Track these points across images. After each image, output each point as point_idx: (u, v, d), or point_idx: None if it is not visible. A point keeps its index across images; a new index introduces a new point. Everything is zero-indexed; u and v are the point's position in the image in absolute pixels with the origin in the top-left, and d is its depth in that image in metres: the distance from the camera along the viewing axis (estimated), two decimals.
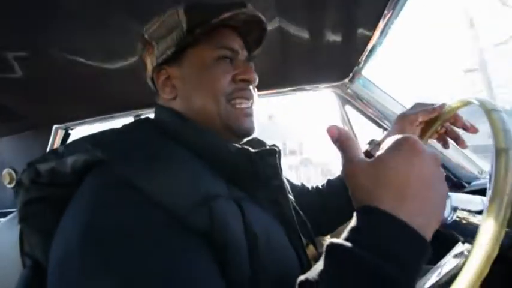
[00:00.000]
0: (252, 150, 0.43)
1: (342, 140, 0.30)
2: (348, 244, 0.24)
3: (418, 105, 0.58)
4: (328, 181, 0.70)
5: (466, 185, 1.01)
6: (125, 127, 0.43)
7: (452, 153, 1.01)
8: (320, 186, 0.70)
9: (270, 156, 0.44)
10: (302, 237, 0.46)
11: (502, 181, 0.27)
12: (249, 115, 0.47)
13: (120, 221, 0.30)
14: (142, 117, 0.47)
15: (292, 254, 0.41)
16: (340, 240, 0.25)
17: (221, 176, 0.40)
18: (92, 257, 0.28)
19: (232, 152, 0.41)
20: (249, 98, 0.47)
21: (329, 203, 0.65)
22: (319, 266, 0.26)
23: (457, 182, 1.04)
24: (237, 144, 0.43)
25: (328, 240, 0.25)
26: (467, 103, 0.44)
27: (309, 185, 0.71)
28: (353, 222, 0.26)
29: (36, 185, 0.36)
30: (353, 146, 0.29)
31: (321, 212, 0.64)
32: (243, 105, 0.46)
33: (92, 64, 0.78)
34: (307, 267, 0.40)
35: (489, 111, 0.33)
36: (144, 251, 0.28)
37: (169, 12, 0.45)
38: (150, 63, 0.47)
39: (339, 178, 0.69)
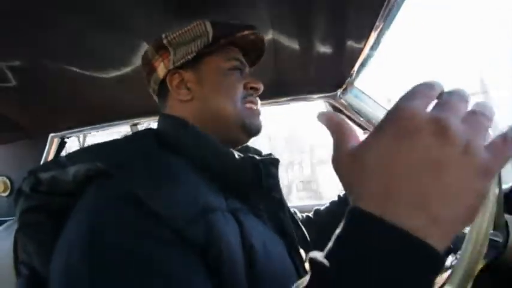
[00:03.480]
0: (257, 157, 0.45)
1: (332, 125, 0.26)
2: (325, 263, 0.20)
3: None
4: (316, 211, 0.74)
5: None
6: (126, 138, 0.45)
7: None
8: (310, 215, 0.74)
9: (272, 166, 0.46)
10: (301, 251, 0.47)
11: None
12: (259, 114, 0.53)
13: (121, 235, 0.30)
14: (144, 128, 0.48)
15: (290, 267, 0.41)
16: (318, 256, 0.21)
17: (220, 189, 0.40)
18: (93, 272, 0.28)
19: (237, 159, 0.43)
20: (257, 102, 0.54)
21: (319, 232, 0.65)
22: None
23: None
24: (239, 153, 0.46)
25: (309, 255, 0.22)
26: None
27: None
28: (339, 227, 0.21)
29: (36, 193, 0.36)
30: (344, 132, 0.25)
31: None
32: (254, 107, 0.53)
33: (87, 73, 0.79)
34: None
35: None
36: (143, 267, 0.29)
37: (194, 24, 0.50)
38: (162, 67, 0.51)
39: (329, 209, 0.73)
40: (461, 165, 0.19)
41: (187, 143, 0.44)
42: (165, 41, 0.50)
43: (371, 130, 0.23)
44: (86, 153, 0.39)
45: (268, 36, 0.71)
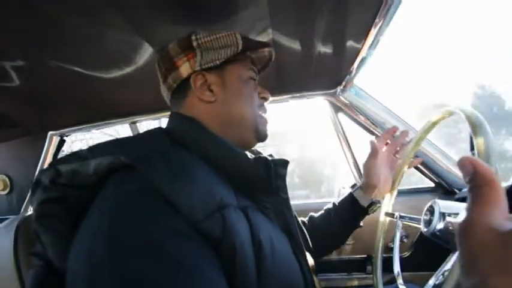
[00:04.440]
0: (269, 158, 0.47)
1: (479, 183, 0.21)
2: None
3: (373, 145, 0.72)
4: (311, 216, 0.78)
5: (456, 191, 1.03)
6: (139, 136, 0.46)
7: (443, 159, 1.03)
8: (304, 221, 0.77)
9: (281, 168, 0.48)
10: (304, 249, 0.49)
11: None
12: (267, 122, 0.59)
13: (141, 227, 0.31)
14: (143, 126, 0.49)
15: (295, 264, 0.43)
16: None
17: (231, 186, 0.43)
18: (114, 260, 0.30)
19: (251, 159, 0.46)
20: (267, 111, 0.60)
21: (311, 237, 0.67)
22: None
23: (447, 189, 1.06)
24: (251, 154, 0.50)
25: None
26: (450, 113, 0.46)
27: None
28: None
29: (55, 185, 0.37)
30: (492, 195, 0.20)
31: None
32: (265, 116, 0.58)
33: (87, 72, 0.79)
34: (308, 276, 0.44)
35: (470, 118, 0.35)
36: (161, 258, 0.30)
37: (225, 33, 0.54)
38: (186, 66, 0.52)
39: (323, 216, 0.77)
40: None
41: (202, 142, 0.46)
42: (194, 43, 0.52)
43: None
44: (106, 147, 0.40)
45: (268, 33, 0.71)
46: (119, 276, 0.29)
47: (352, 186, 0.75)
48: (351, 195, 0.73)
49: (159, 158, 0.38)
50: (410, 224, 0.57)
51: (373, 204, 0.71)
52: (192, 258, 0.31)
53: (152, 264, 0.29)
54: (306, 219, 0.78)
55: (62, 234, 0.36)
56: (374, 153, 0.70)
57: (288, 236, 0.46)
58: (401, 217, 0.61)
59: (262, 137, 0.56)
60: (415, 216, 0.56)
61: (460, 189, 1.02)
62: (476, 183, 0.21)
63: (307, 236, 0.61)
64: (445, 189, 1.05)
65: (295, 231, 0.49)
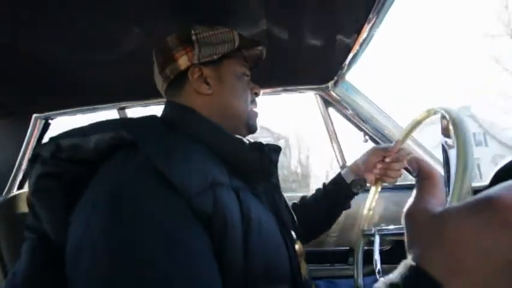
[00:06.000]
0: (264, 143, 0.49)
1: (422, 176, 0.26)
2: None
3: (373, 151, 0.72)
4: (302, 197, 0.81)
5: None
6: (141, 118, 0.48)
7: (427, 158, 1.06)
8: (297, 202, 0.80)
9: (274, 153, 0.51)
10: (292, 233, 0.52)
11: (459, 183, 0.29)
12: (258, 117, 0.62)
13: (139, 203, 0.33)
14: (132, 112, 0.50)
15: (281, 244, 0.45)
16: None
17: (225, 168, 0.44)
18: (109, 233, 0.31)
19: (247, 144, 0.49)
20: (257, 105, 0.63)
21: (302, 219, 0.69)
22: None
23: None
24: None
25: None
26: (433, 113, 0.47)
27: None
28: (394, 274, 0.22)
29: (54, 159, 0.38)
30: (432, 188, 0.25)
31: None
32: (256, 110, 0.61)
33: (72, 55, 0.77)
34: (294, 260, 0.46)
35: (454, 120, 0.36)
36: (156, 233, 0.32)
37: (223, 29, 0.56)
38: (185, 59, 0.54)
39: (313, 197, 0.79)
40: None
41: (198, 128, 0.49)
42: (194, 37, 0.55)
43: (465, 202, 0.22)
44: (108, 123, 0.41)
45: (262, 25, 0.70)
46: (115, 243, 0.31)
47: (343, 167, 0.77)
48: (339, 174, 0.77)
49: (158, 137, 0.40)
50: (389, 237, 0.60)
51: (358, 181, 0.73)
52: (184, 236, 0.33)
53: (146, 238, 0.31)
54: (298, 201, 0.80)
55: (57, 210, 0.37)
56: (380, 152, 0.70)
57: (277, 220, 0.48)
58: (379, 231, 0.64)
59: (252, 129, 0.60)
60: (392, 228, 0.61)
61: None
62: (420, 177, 0.26)
63: (296, 222, 0.63)
64: None
65: (284, 216, 0.51)
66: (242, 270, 0.37)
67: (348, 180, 0.74)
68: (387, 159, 0.69)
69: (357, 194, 0.75)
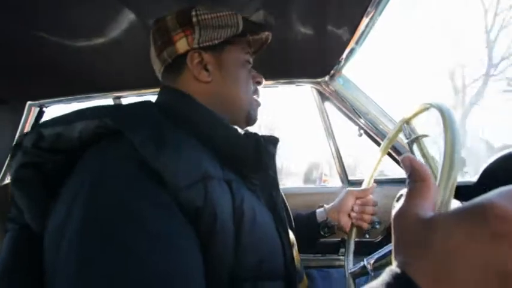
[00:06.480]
0: (260, 135, 0.48)
1: (417, 175, 0.24)
2: None
3: (349, 193, 0.70)
4: (297, 215, 0.76)
5: None
6: (133, 104, 0.45)
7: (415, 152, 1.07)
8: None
9: (271, 145, 0.48)
10: (287, 227, 0.50)
11: (444, 181, 0.30)
12: (259, 107, 0.59)
13: (120, 194, 0.31)
14: (145, 99, 0.48)
15: (276, 240, 0.44)
16: None
17: (219, 161, 0.43)
18: (86, 226, 0.30)
19: (242, 134, 0.47)
20: (260, 95, 0.60)
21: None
22: None
23: None
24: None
25: None
26: (426, 108, 0.48)
27: None
28: (378, 281, 0.21)
29: (36, 149, 0.36)
30: (424, 190, 0.23)
31: None
32: (259, 100, 0.59)
33: (67, 42, 0.76)
34: (288, 254, 0.44)
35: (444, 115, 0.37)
36: (135, 227, 0.30)
37: (226, 12, 0.53)
38: (184, 43, 0.51)
39: (306, 216, 0.76)
40: None
41: (194, 116, 0.46)
42: (194, 19, 0.51)
43: (456, 208, 0.21)
44: (94, 110, 0.39)
45: (259, 15, 0.70)
46: (94, 236, 0.29)
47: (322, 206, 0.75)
48: (313, 212, 0.74)
49: (147, 126, 0.38)
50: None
51: (327, 223, 0.70)
52: (168, 231, 0.32)
53: (128, 231, 0.30)
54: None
55: (38, 200, 0.36)
56: (354, 194, 0.70)
57: (273, 214, 0.47)
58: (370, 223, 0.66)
59: (252, 120, 0.57)
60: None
61: None
62: (412, 179, 0.24)
63: (291, 215, 0.63)
64: None
65: (280, 210, 0.49)
66: (233, 265, 0.36)
67: (320, 220, 0.71)
68: (358, 201, 0.69)
69: (324, 236, 0.72)
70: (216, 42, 0.51)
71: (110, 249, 0.29)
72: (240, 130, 0.49)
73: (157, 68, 0.55)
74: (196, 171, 0.36)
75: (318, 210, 0.74)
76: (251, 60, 0.58)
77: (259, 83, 0.59)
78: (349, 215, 0.69)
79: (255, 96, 0.57)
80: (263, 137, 0.48)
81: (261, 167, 0.47)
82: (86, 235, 0.30)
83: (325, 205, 0.74)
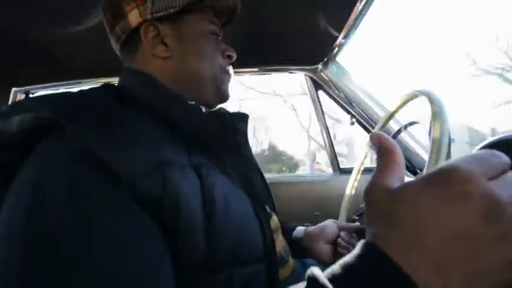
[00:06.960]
0: (226, 111, 0.44)
1: (384, 151, 0.24)
2: (326, 282, 0.20)
3: (331, 223, 0.65)
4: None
5: (419, 171, 1.10)
6: (82, 91, 0.41)
7: (409, 141, 1.08)
8: None
9: (241, 121, 0.45)
10: (267, 208, 0.48)
11: (432, 166, 0.31)
12: (230, 82, 0.53)
13: (66, 194, 0.29)
14: (102, 83, 0.44)
15: (254, 224, 0.41)
16: (319, 275, 0.21)
17: (185, 145, 0.39)
18: (30, 237, 0.27)
19: (205, 113, 0.43)
20: (231, 70, 0.54)
21: None
22: None
23: (410, 169, 1.12)
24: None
25: (311, 271, 0.21)
26: (416, 96, 0.48)
27: None
28: (351, 255, 0.21)
29: None
30: (392, 164, 0.23)
31: None
32: (229, 75, 0.52)
33: (51, 27, 0.73)
34: (268, 237, 0.42)
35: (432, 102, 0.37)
36: (86, 231, 0.28)
37: None
38: (135, 14, 0.45)
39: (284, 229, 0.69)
40: (496, 254, 0.18)
41: (154, 98, 0.42)
42: None
43: (419, 175, 0.21)
44: (32, 101, 0.35)
45: (251, 4, 0.68)
46: (38, 240, 0.27)
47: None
48: (291, 228, 0.69)
49: (94, 116, 0.34)
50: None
51: (301, 244, 0.65)
52: (126, 231, 0.29)
53: (81, 239, 0.27)
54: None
55: None
56: (336, 227, 0.65)
57: (251, 196, 0.44)
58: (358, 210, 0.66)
59: (223, 97, 0.52)
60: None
61: (421, 169, 1.09)
62: (381, 154, 0.24)
63: (272, 196, 0.58)
64: (408, 169, 1.12)
65: (259, 191, 0.46)
66: (205, 252, 0.34)
67: (296, 233, 0.66)
68: (342, 234, 0.64)
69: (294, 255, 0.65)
70: (172, 11, 0.45)
71: (54, 257, 0.26)
72: (202, 108, 0.45)
73: (114, 47, 0.50)
74: (151, 159, 0.33)
75: (298, 228, 0.69)
76: (218, 30, 0.51)
77: (230, 57, 0.52)
78: (333, 244, 0.64)
79: (225, 71, 0.51)
80: (230, 113, 0.44)
81: (231, 146, 0.44)
82: (30, 247, 0.27)
83: (307, 226, 0.69)
